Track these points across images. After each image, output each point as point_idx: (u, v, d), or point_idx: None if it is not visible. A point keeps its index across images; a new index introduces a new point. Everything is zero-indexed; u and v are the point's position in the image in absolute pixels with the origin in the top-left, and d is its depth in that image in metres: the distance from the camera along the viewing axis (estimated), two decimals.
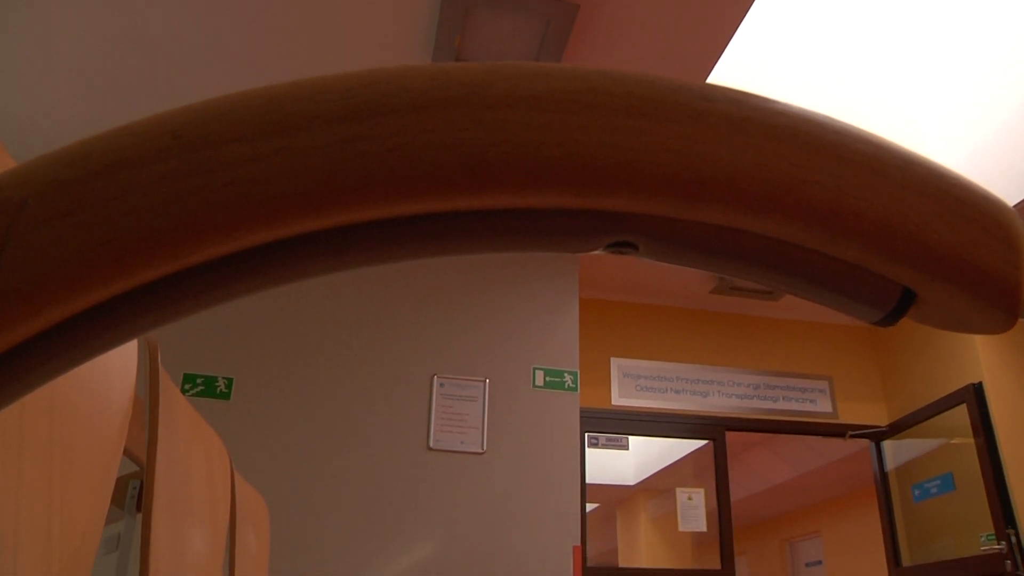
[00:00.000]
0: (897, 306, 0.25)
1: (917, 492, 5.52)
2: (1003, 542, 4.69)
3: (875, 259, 0.23)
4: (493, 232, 0.22)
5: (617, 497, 10.33)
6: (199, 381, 4.46)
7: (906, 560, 5.55)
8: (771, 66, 4.54)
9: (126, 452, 1.79)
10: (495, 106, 0.19)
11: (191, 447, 1.23)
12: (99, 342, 0.21)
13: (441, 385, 4.63)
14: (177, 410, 1.15)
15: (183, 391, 4.32)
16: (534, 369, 4.77)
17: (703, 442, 5.72)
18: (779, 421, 5.68)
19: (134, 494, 2.19)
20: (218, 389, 4.46)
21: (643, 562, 9.47)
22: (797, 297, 0.26)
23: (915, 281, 0.23)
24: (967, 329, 0.26)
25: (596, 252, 0.23)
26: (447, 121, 0.19)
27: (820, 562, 11.49)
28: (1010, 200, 4.20)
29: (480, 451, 4.51)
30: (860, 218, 0.22)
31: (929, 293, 0.24)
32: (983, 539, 4.88)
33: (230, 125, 0.19)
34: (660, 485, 9.16)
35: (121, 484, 2.18)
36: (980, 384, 5.08)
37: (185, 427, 1.20)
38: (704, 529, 5.46)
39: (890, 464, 5.85)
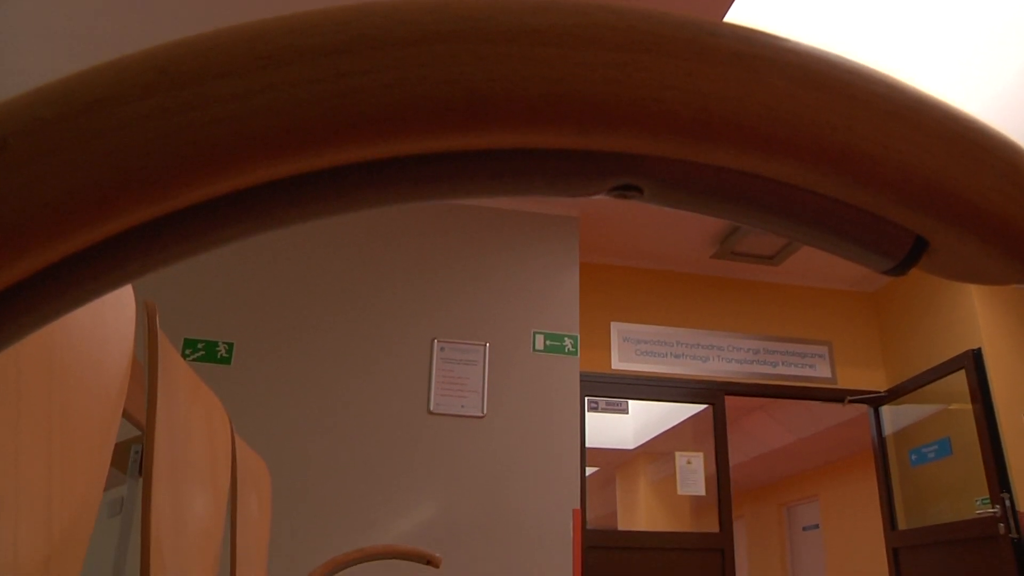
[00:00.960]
0: (909, 255, 0.24)
1: (914, 457, 5.55)
2: (997, 506, 4.73)
3: (886, 205, 0.22)
4: (493, 174, 0.21)
5: (616, 461, 10.40)
6: (200, 346, 4.46)
7: (902, 523, 5.61)
8: (783, 16, 4.48)
9: (128, 416, 1.80)
10: (495, 40, 0.18)
11: (191, 410, 1.23)
12: (87, 288, 0.20)
13: (441, 349, 4.64)
14: (176, 373, 1.15)
15: (184, 356, 4.32)
16: (534, 333, 4.78)
17: (702, 406, 5.75)
18: (778, 386, 5.70)
19: (136, 458, 2.20)
20: (219, 354, 4.47)
21: (642, 525, 9.56)
22: (806, 245, 0.25)
23: (928, 228, 0.23)
24: (979, 280, 0.25)
25: (600, 196, 0.23)
26: (446, 55, 0.18)
27: (817, 526, 11.61)
28: None
29: (480, 415, 4.53)
30: (872, 161, 0.21)
31: (942, 241, 0.23)
32: (978, 503, 4.92)
33: (219, 59, 0.18)
34: (659, 449, 9.22)
35: (124, 448, 2.20)
36: (979, 350, 5.10)
37: (185, 390, 1.20)
38: (703, 493, 5.51)
39: (888, 429, 5.88)
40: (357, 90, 0.18)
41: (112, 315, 0.79)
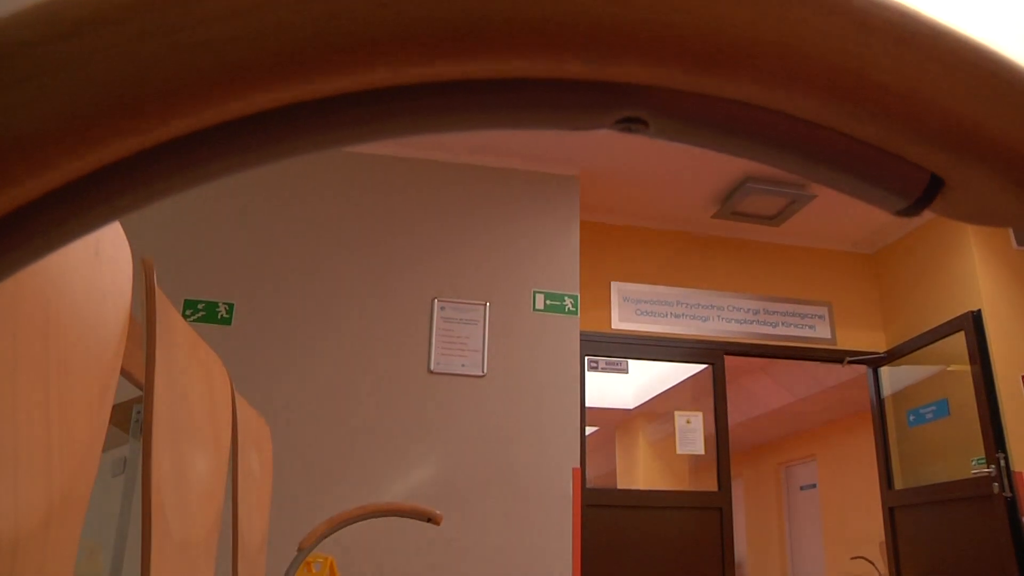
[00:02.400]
0: (923, 194, 0.23)
1: (912, 418, 5.58)
2: (993, 466, 4.77)
3: (901, 140, 0.21)
4: (493, 106, 0.20)
5: (616, 420, 10.46)
6: (200, 307, 4.46)
7: (898, 483, 5.65)
8: None
9: (129, 376, 1.80)
10: None
11: (191, 368, 1.23)
12: (74, 225, 0.20)
13: (441, 308, 4.64)
14: (175, 331, 1.14)
15: (184, 317, 4.32)
16: (534, 292, 4.78)
17: (702, 366, 5.77)
18: (778, 346, 5.72)
19: (138, 418, 2.21)
20: (219, 314, 4.47)
21: (641, 484, 9.64)
22: (817, 183, 0.24)
23: (943, 166, 0.22)
24: (994, 221, 0.24)
25: (604, 129, 0.22)
26: None
27: (814, 485, 11.71)
28: None
29: (480, 374, 4.55)
30: (886, 92, 0.20)
31: (957, 180, 0.22)
32: (974, 463, 4.96)
33: None
34: (659, 409, 9.27)
35: (126, 409, 2.20)
36: (979, 312, 5.10)
37: (184, 348, 1.20)
38: (702, 452, 5.54)
39: (887, 390, 5.90)
40: (350, 11, 0.17)
41: (109, 272, 0.78)
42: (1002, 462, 4.77)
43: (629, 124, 0.22)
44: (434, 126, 0.21)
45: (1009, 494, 4.69)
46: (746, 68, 0.19)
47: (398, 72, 0.18)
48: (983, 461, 4.89)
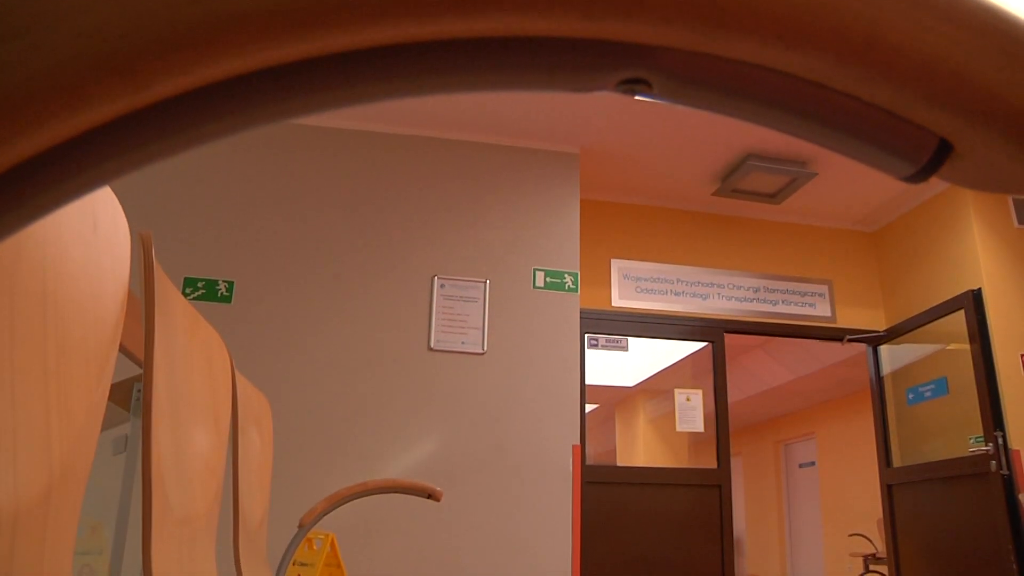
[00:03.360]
0: (931, 159, 0.22)
1: (911, 396, 5.60)
2: (990, 444, 4.80)
3: (911, 103, 0.21)
4: (491, 66, 0.20)
5: (616, 398, 10.49)
6: (200, 285, 4.46)
7: (897, 461, 5.68)
8: None
9: (129, 354, 1.80)
10: None
11: (190, 345, 1.23)
12: (64, 188, 0.19)
13: (442, 286, 4.63)
14: (174, 307, 1.14)
15: (184, 296, 4.32)
16: (534, 270, 4.77)
17: (702, 344, 5.77)
18: (778, 324, 5.72)
19: (139, 396, 2.21)
20: (219, 293, 4.47)
21: (641, 461, 9.68)
22: (824, 147, 0.24)
23: (953, 130, 0.21)
24: (1003, 188, 0.24)
25: (606, 91, 0.21)
26: None
27: (813, 463, 11.77)
28: None
29: (481, 352, 4.55)
30: (897, 53, 0.19)
31: (967, 145, 0.22)
32: (972, 441, 4.98)
33: None
34: (658, 387, 9.30)
35: (127, 387, 2.21)
36: (979, 291, 5.10)
37: (183, 324, 1.19)
38: (701, 430, 5.56)
39: (886, 368, 5.91)
40: None
41: (107, 247, 0.78)
42: (1000, 440, 4.79)
43: (632, 86, 0.21)
44: (433, 86, 0.20)
45: (1006, 472, 4.71)
46: (755, 28, 0.19)
47: (399, 28, 0.18)
48: (981, 439, 4.91)
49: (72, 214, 0.69)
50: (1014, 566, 4.55)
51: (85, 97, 0.17)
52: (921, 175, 0.23)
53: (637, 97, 0.21)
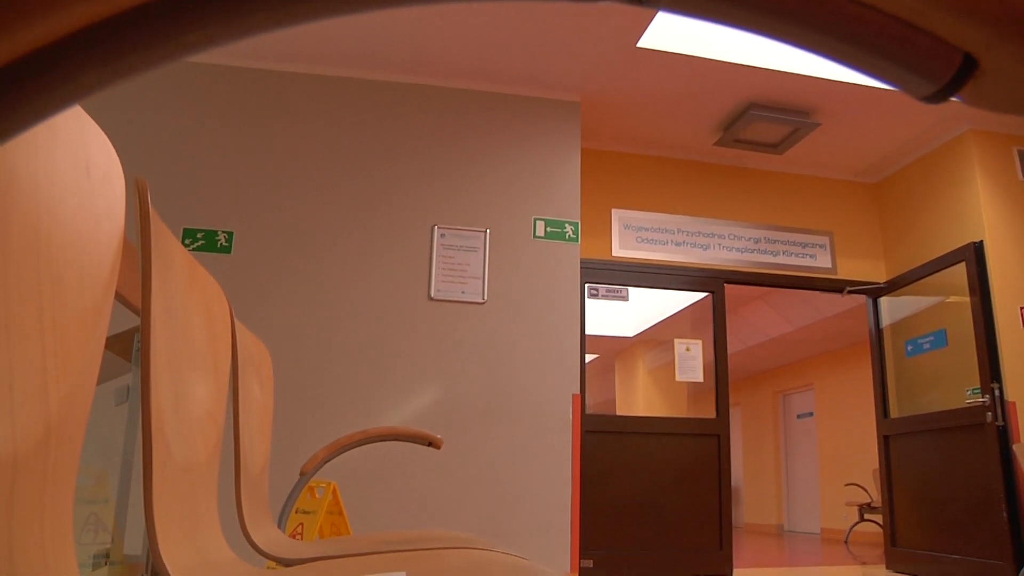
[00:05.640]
0: (954, 77, 0.21)
1: (910, 347, 5.61)
2: (987, 395, 4.82)
3: (937, 13, 0.19)
4: None
5: (616, 348, 10.53)
6: (199, 236, 4.44)
7: (894, 412, 5.71)
8: None
9: (129, 305, 1.79)
10: None
11: (189, 292, 1.22)
12: (38, 104, 0.18)
13: (442, 235, 4.62)
14: (172, 254, 1.13)
15: (183, 246, 4.32)
16: (535, 219, 4.75)
17: (702, 295, 5.77)
18: (778, 275, 5.72)
19: (139, 346, 2.21)
20: (219, 243, 4.46)
21: (640, 411, 9.75)
22: (841, 64, 0.23)
23: (980, 44, 0.20)
24: None
25: (602, 2, 0.20)
26: None
27: (811, 413, 11.86)
28: None
29: (481, 301, 4.55)
30: None
31: (992, 61, 0.20)
32: (969, 393, 5.01)
33: None
34: (658, 337, 9.32)
35: (128, 338, 2.21)
36: (981, 243, 5.08)
37: (181, 272, 1.18)
38: (701, 380, 5.59)
39: (885, 320, 5.92)
40: None
41: (101, 191, 0.76)
42: (996, 392, 4.82)
43: None
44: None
45: (1001, 423, 4.75)
46: None
47: None
48: (978, 391, 4.94)
49: (64, 157, 0.68)
50: (1004, 515, 4.61)
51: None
52: (942, 94, 0.22)
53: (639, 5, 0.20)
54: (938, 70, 0.21)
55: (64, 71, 0.18)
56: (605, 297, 5.44)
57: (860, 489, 10.11)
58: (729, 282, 5.66)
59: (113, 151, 0.77)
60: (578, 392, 4.57)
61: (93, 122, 0.72)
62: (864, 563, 6.56)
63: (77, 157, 0.70)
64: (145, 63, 0.18)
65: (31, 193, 0.60)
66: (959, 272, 5.19)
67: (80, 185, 0.70)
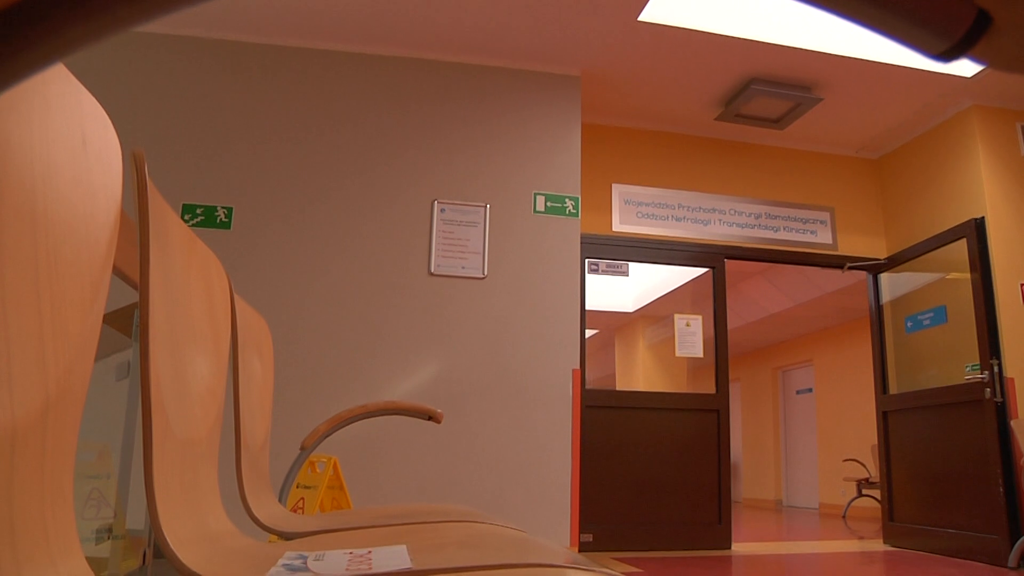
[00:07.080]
0: (968, 34, 0.21)
1: (910, 324, 5.62)
2: (986, 371, 4.83)
3: None
4: None
5: (616, 323, 10.53)
6: (199, 211, 4.43)
7: (893, 388, 5.73)
8: None
9: (128, 280, 1.79)
10: None
11: (188, 266, 1.21)
12: (20, 62, 0.17)
13: (442, 210, 4.61)
14: (170, 228, 1.12)
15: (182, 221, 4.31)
16: (535, 194, 4.74)
17: (702, 270, 5.77)
18: (779, 251, 5.71)
19: (139, 321, 2.21)
20: (218, 219, 4.45)
21: (640, 386, 9.77)
22: (853, 21, 0.22)
23: (993, 0, 0.19)
24: None
25: None
26: None
27: (810, 389, 11.89)
28: None
29: (481, 276, 4.55)
30: None
31: (1007, 18, 0.20)
32: (968, 369, 5.02)
33: None
34: (658, 312, 9.32)
35: (127, 313, 2.21)
36: (982, 219, 5.07)
37: (180, 246, 1.18)
38: (700, 355, 5.59)
39: (885, 296, 5.92)
40: None
41: (97, 163, 0.76)
42: (995, 368, 4.83)
43: None
44: None
45: (1000, 399, 4.76)
46: None
47: None
48: (977, 367, 4.95)
49: (59, 130, 0.67)
50: (1001, 490, 4.63)
51: None
52: (956, 51, 0.22)
53: None
54: (952, 27, 0.21)
55: (51, 24, 0.17)
56: (605, 272, 5.44)
57: (858, 464, 10.16)
58: (729, 258, 5.65)
59: (110, 124, 0.76)
60: (578, 367, 4.58)
61: (89, 94, 0.71)
62: (862, 537, 6.60)
63: (73, 130, 0.69)
64: (138, 14, 0.18)
65: (26, 166, 0.60)
66: (960, 248, 5.19)
67: (76, 159, 0.70)
